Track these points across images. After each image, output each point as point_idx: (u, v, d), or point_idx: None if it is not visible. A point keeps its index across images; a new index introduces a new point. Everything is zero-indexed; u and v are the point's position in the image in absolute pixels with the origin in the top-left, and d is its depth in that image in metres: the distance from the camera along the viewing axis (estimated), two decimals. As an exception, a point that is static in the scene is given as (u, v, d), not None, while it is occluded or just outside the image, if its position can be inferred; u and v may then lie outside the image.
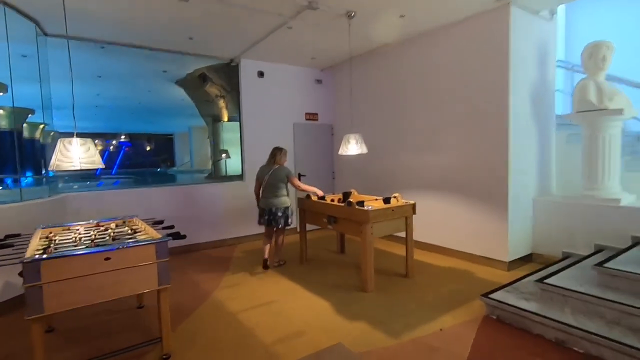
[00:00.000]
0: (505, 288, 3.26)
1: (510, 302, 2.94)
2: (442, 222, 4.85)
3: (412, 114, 5.18)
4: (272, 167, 4.38)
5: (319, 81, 6.67)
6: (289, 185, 4.45)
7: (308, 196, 4.56)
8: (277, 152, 4.43)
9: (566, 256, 4.12)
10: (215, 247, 5.66)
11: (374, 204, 3.97)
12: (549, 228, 4.34)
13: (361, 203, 3.84)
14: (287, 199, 4.43)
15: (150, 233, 2.73)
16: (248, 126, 5.98)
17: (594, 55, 3.92)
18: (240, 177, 6.07)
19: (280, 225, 4.36)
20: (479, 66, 4.28)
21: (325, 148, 6.88)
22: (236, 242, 5.88)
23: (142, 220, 3.25)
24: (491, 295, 3.09)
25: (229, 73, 6.12)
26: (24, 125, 4.65)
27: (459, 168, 4.60)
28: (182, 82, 7.02)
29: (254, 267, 4.61)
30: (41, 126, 4.74)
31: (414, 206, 4.01)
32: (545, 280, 2.99)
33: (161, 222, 3.24)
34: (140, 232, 2.85)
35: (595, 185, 4.02)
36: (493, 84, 4.15)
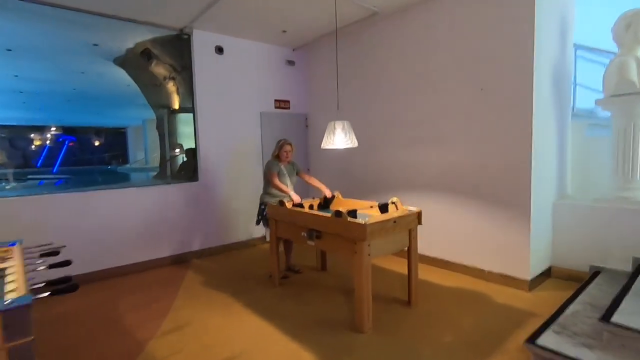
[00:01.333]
0: (551, 327, 2.43)
1: (569, 354, 2.11)
2: (446, 232, 4.00)
3: (408, 100, 4.27)
4: None
5: (290, 62, 5.62)
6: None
7: (281, 201, 3.55)
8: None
9: (596, 271, 3.41)
10: (159, 267, 4.48)
11: (368, 212, 3.04)
12: (571, 237, 3.62)
13: (353, 212, 2.88)
14: (264, 195, 3.95)
15: (18, 282, 1.61)
16: (204, 115, 4.83)
17: (634, 25, 3.19)
18: (194, 178, 4.90)
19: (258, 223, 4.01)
20: (496, 38, 3.43)
21: (298, 141, 5.82)
22: (189, 258, 4.74)
23: (27, 249, 2.10)
24: (539, 341, 2.25)
25: (179, 48, 4.92)
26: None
27: (468, 166, 3.75)
28: (121, 61, 5.71)
29: (211, 294, 3.54)
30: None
31: (419, 215, 3.10)
32: (613, 319, 2.19)
33: (56, 252, 2.11)
34: (7, 275, 1.72)
35: (632, 185, 3.33)
36: (513, 62, 3.32)
